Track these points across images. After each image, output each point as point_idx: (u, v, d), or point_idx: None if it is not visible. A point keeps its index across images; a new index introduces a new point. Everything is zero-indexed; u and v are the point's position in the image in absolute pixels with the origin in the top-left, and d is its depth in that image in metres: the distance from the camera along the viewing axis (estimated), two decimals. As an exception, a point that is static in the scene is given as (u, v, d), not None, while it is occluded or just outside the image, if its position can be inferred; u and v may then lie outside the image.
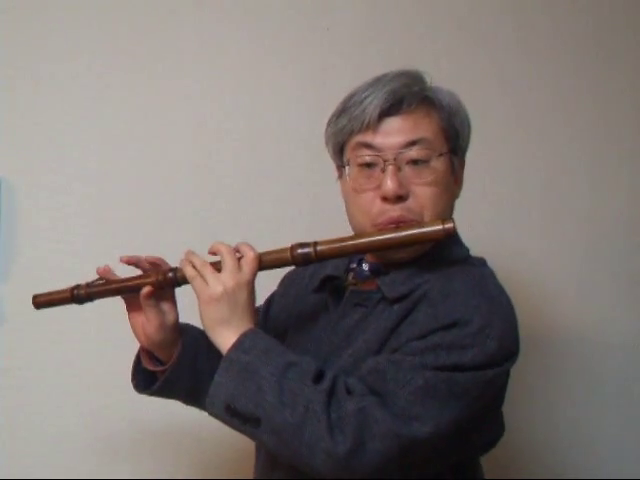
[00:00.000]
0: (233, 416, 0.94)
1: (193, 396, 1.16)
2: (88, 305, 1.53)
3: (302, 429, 0.89)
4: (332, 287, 1.13)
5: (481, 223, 1.67)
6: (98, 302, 1.52)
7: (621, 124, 1.83)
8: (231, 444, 1.58)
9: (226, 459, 1.59)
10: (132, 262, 1.09)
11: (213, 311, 0.98)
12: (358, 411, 0.90)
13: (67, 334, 1.53)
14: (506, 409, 1.12)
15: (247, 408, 0.92)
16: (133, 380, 1.16)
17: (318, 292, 1.15)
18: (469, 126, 1.10)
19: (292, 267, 1.23)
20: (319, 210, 1.62)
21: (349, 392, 0.93)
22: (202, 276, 1.00)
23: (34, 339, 1.52)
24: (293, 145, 1.65)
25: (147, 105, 1.59)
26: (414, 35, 1.72)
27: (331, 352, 1.04)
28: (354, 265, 1.13)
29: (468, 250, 1.11)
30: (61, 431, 1.53)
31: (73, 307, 1.53)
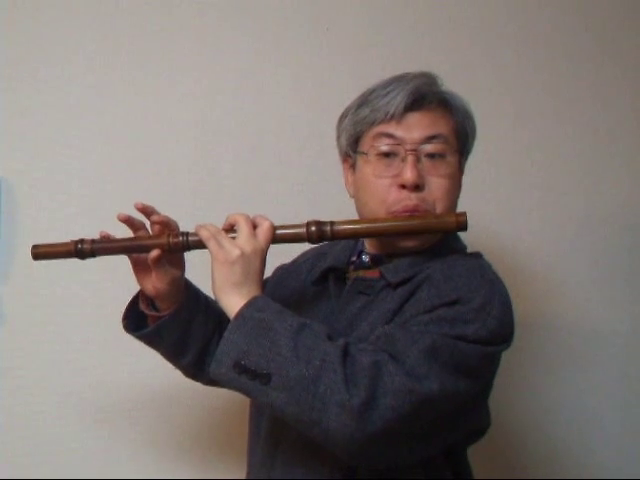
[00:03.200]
0: (242, 373, 0.93)
1: (177, 350, 1.17)
2: (88, 305, 1.54)
3: (317, 382, 0.90)
4: (334, 278, 1.15)
5: (481, 222, 1.67)
6: (98, 302, 1.53)
7: (621, 124, 1.83)
8: (231, 444, 1.58)
9: (226, 459, 1.59)
10: (146, 212, 1.11)
11: (226, 273, 0.99)
12: (373, 364, 0.92)
13: (67, 334, 1.53)
14: (503, 407, 1.12)
15: (259, 364, 0.92)
16: (124, 320, 1.16)
17: (318, 284, 1.17)
18: (475, 132, 1.15)
19: (286, 259, 1.24)
20: (319, 210, 1.61)
21: (362, 351, 0.95)
22: (217, 239, 1.01)
23: (34, 339, 1.52)
24: (293, 145, 1.65)
25: (147, 105, 1.59)
26: (414, 35, 1.72)
27: (334, 338, 1.05)
28: (354, 258, 1.16)
29: (466, 247, 1.15)
30: (61, 431, 1.53)
31: (73, 307, 1.54)
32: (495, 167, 1.73)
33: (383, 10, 1.71)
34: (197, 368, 1.20)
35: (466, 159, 1.16)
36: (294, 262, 1.28)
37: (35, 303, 1.52)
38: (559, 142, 1.79)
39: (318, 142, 1.59)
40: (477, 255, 1.13)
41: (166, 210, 1.57)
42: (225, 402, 1.54)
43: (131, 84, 1.58)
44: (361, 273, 1.13)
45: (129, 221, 1.10)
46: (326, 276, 1.16)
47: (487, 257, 1.13)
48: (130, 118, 1.58)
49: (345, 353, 0.93)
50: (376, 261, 1.12)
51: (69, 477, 1.51)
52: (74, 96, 1.56)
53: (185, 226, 1.57)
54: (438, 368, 0.93)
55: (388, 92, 1.07)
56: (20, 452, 1.51)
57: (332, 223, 1.05)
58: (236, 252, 0.99)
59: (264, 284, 1.25)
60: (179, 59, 1.61)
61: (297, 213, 1.62)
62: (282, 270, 1.28)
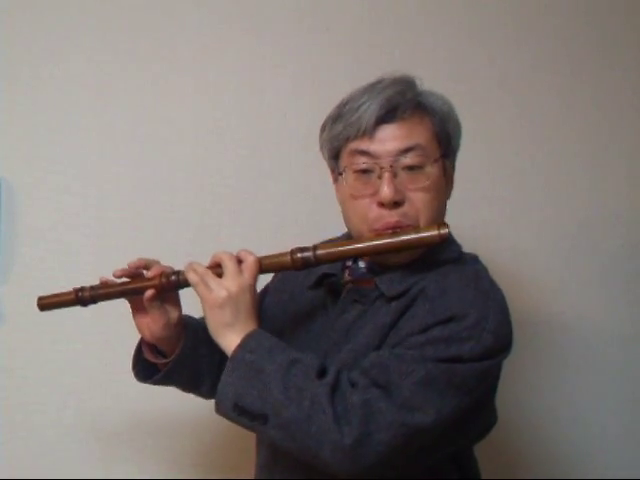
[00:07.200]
0: (241, 414, 0.96)
1: (192, 385, 1.20)
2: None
3: (309, 423, 0.92)
4: (329, 284, 1.15)
5: (481, 223, 1.67)
6: (98, 303, 1.53)
7: (621, 124, 1.83)
8: (232, 444, 1.58)
9: (227, 459, 1.59)
10: (141, 267, 1.11)
11: (218, 316, 1.01)
12: (363, 403, 0.93)
13: (67, 334, 1.53)
14: (504, 408, 1.12)
15: (254, 406, 0.95)
16: (134, 369, 1.18)
17: (314, 289, 1.16)
18: (460, 129, 1.12)
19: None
20: (319, 210, 1.62)
21: (353, 385, 0.96)
22: (205, 282, 1.02)
23: (34, 339, 1.52)
24: (293, 145, 1.65)
25: (147, 105, 1.59)
26: (414, 35, 1.72)
27: (330, 348, 1.06)
28: (350, 263, 1.15)
29: (460, 247, 1.13)
30: (61, 431, 1.53)
31: (73, 307, 1.54)
32: (495, 168, 1.73)
33: (383, 10, 1.71)
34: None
35: (454, 158, 1.13)
36: None
37: (35, 303, 1.52)
38: (559, 142, 1.79)
39: (317, 142, 1.59)
40: (472, 260, 1.11)
41: (166, 210, 1.58)
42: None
43: (131, 84, 1.58)
44: (355, 283, 1.12)
45: (127, 274, 1.11)
46: (322, 281, 1.15)
47: (486, 258, 1.12)
48: (130, 118, 1.58)
49: (334, 389, 0.94)
50: (371, 269, 1.11)
51: (69, 477, 1.51)
52: (74, 96, 1.56)
53: (185, 225, 1.58)
54: (435, 396, 0.94)
55: (360, 105, 1.04)
56: (20, 452, 1.51)
57: (315, 249, 1.05)
58: (223, 294, 1.00)
59: (264, 292, 1.26)
60: (179, 59, 1.61)
61: (297, 213, 1.64)
62: (281, 273, 1.26)
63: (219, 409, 0.99)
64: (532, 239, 1.77)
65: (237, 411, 0.96)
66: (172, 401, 1.54)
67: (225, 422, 1.59)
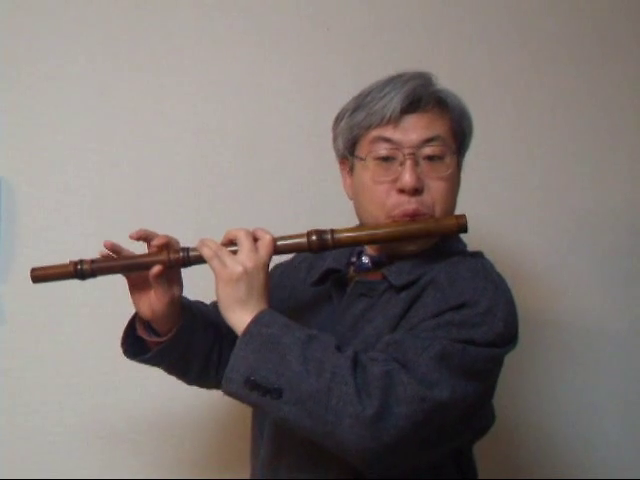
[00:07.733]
0: (252, 389, 0.93)
1: (180, 368, 1.18)
2: (88, 305, 1.54)
3: (329, 394, 0.90)
4: (334, 280, 1.15)
5: (481, 222, 1.67)
6: (98, 302, 1.53)
7: (621, 124, 1.83)
8: (232, 444, 1.58)
9: (227, 459, 1.59)
10: (146, 239, 1.09)
11: (231, 291, 0.99)
12: (385, 374, 0.92)
13: (67, 334, 1.53)
14: (503, 407, 1.12)
15: (269, 379, 0.93)
16: (123, 345, 1.15)
17: (317, 285, 1.16)
18: (472, 129, 1.14)
19: (284, 257, 1.24)
20: (319, 210, 1.62)
21: (372, 360, 0.95)
22: (219, 257, 1.01)
23: (34, 339, 1.52)
24: (293, 145, 1.65)
25: (147, 105, 1.59)
26: (414, 35, 1.72)
27: (338, 342, 1.05)
28: (354, 259, 1.15)
29: (466, 245, 1.14)
30: (61, 431, 1.53)
31: (73, 307, 1.54)
32: (495, 167, 1.73)
33: (383, 10, 1.71)
34: (201, 379, 1.21)
35: (463, 156, 1.15)
36: (292, 261, 1.27)
37: (35, 303, 1.52)
38: (559, 142, 1.79)
39: (318, 142, 1.59)
40: (479, 255, 1.12)
41: (167, 210, 1.58)
42: (227, 401, 1.54)
43: (131, 84, 1.58)
44: (362, 276, 1.12)
45: (115, 250, 1.09)
46: (326, 277, 1.15)
47: (487, 257, 1.13)
48: (130, 118, 1.58)
49: (355, 363, 0.93)
50: (376, 263, 1.12)
51: (69, 477, 1.51)
52: (74, 96, 1.56)
53: (185, 225, 1.58)
54: (449, 374, 0.94)
55: (384, 95, 1.06)
56: (20, 452, 1.51)
57: (332, 231, 1.04)
58: (239, 269, 0.99)
59: None
60: (179, 59, 1.61)
61: (297, 213, 1.64)
62: (280, 269, 1.27)
63: (228, 385, 0.96)
64: (531, 238, 1.77)
65: (249, 386, 0.93)
66: (173, 401, 1.55)
67: (226, 422, 1.60)
